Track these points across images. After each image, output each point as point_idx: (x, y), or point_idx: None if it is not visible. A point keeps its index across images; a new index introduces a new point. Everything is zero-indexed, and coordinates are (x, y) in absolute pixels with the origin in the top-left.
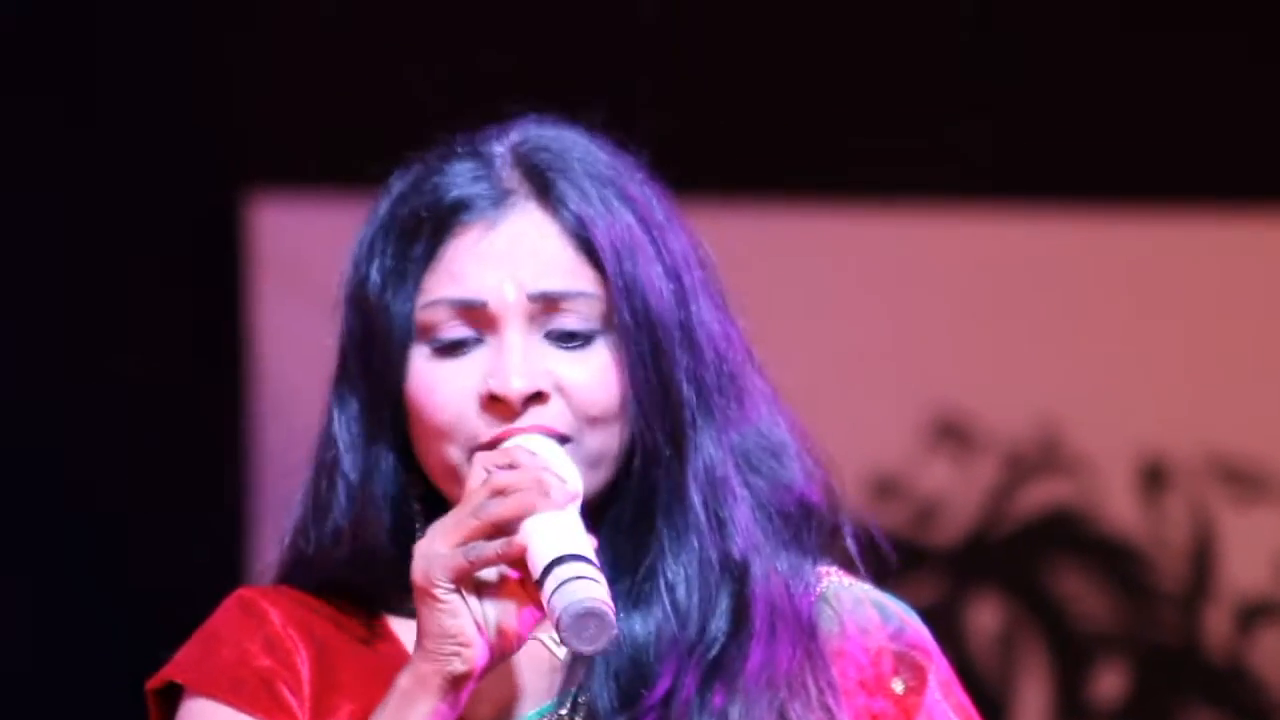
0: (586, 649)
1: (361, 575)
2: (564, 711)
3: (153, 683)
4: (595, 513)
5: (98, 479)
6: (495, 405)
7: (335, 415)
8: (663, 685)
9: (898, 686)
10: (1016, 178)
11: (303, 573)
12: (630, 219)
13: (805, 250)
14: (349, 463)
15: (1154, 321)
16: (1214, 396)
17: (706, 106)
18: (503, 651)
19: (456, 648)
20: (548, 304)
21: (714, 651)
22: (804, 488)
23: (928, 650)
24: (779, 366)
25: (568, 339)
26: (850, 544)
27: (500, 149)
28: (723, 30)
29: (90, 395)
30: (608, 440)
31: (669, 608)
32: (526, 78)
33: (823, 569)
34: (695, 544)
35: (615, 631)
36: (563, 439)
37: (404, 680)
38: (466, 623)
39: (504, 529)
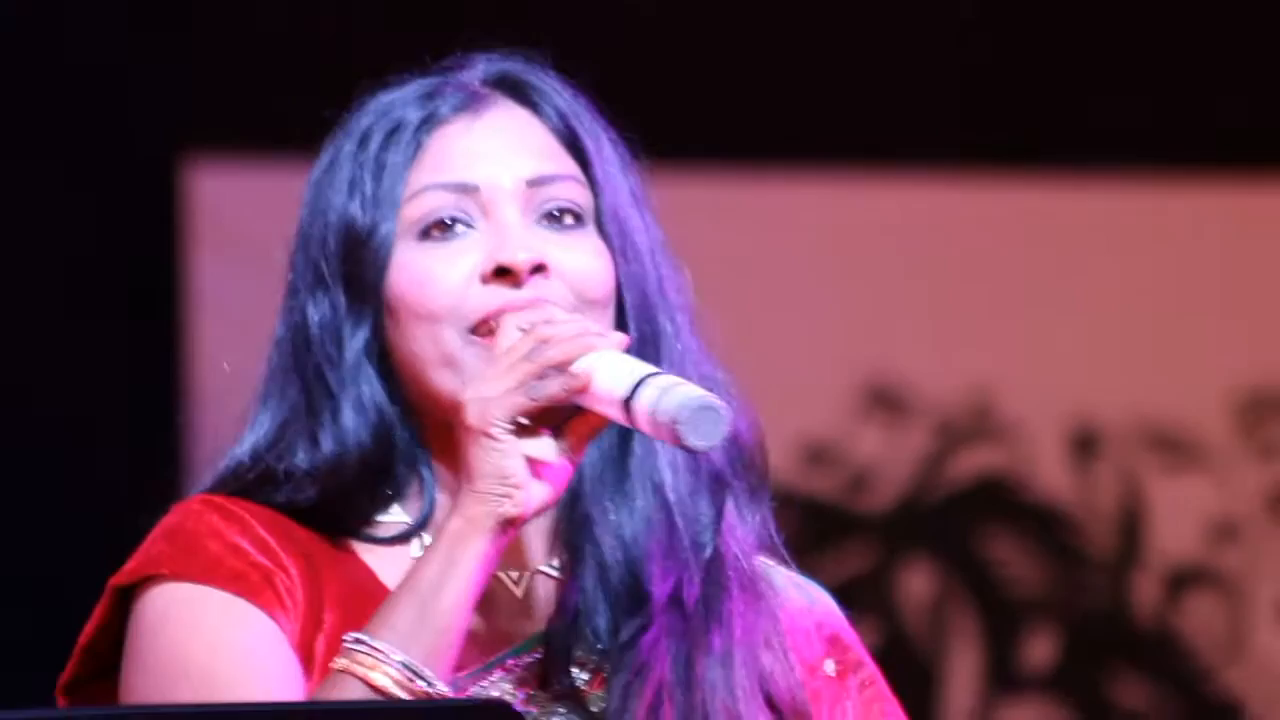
0: (704, 444)
1: (336, 493)
2: (537, 654)
3: (121, 578)
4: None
5: (29, 444)
6: (500, 278)
7: (311, 326)
8: (667, 583)
9: (829, 668)
10: (948, 145)
11: (267, 490)
12: (609, 140)
13: (735, 217)
14: (342, 376)
15: (1085, 290)
16: (1144, 364)
17: (642, 72)
18: (544, 500)
19: (509, 489)
20: (541, 187)
21: (707, 553)
22: (744, 433)
23: (850, 633)
24: (710, 333)
25: (560, 218)
26: (773, 520)
27: (468, 68)
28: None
29: (23, 365)
30: (603, 326)
31: (661, 498)
32: (476, 43)
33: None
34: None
35: (729, 425)
36: None
37: (454, 523)
38: (520, 464)
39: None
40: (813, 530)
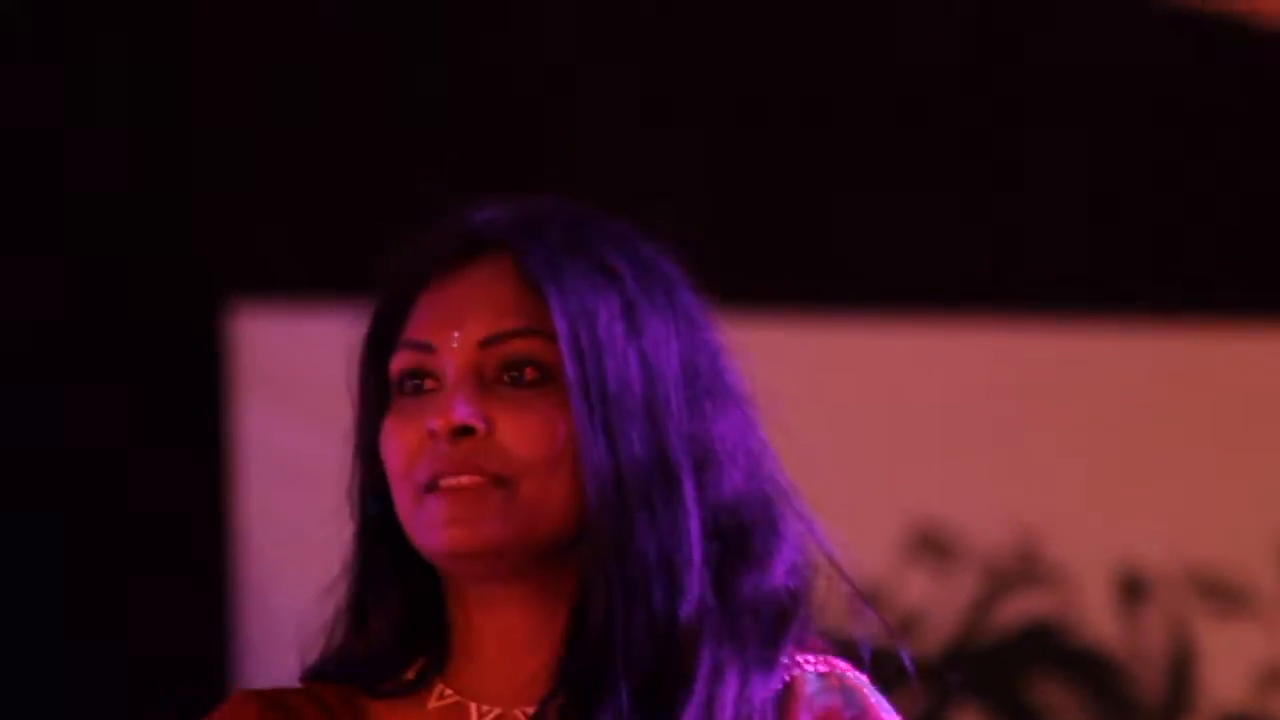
0: None
1: (369, 654)
2: None
3: None
4: (555, 556)
5: (90, 589)
6: (432, 443)
7: (352, 483)
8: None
9: None
10: (995, 291)
11: (321, 664)
12: (600, 283)
13: (781, 361)
14: (368, 534)
15: (1131, 434)
16: (1191, 509)
17: (688, 215)
18: None
19: None
20: (497, 345)
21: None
22: (781, 580)
23: None
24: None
25: (517, 376)
26: (821, 635)
27: (482, 215)
28: (707, 136)
29: (76, 510)
30: (547, 488)
31: (619, 656)
32: (509, 188)
33: (794, 658)
34: (638, 609)
35: None
36: (498, 479)
37: None
38: None
39: None
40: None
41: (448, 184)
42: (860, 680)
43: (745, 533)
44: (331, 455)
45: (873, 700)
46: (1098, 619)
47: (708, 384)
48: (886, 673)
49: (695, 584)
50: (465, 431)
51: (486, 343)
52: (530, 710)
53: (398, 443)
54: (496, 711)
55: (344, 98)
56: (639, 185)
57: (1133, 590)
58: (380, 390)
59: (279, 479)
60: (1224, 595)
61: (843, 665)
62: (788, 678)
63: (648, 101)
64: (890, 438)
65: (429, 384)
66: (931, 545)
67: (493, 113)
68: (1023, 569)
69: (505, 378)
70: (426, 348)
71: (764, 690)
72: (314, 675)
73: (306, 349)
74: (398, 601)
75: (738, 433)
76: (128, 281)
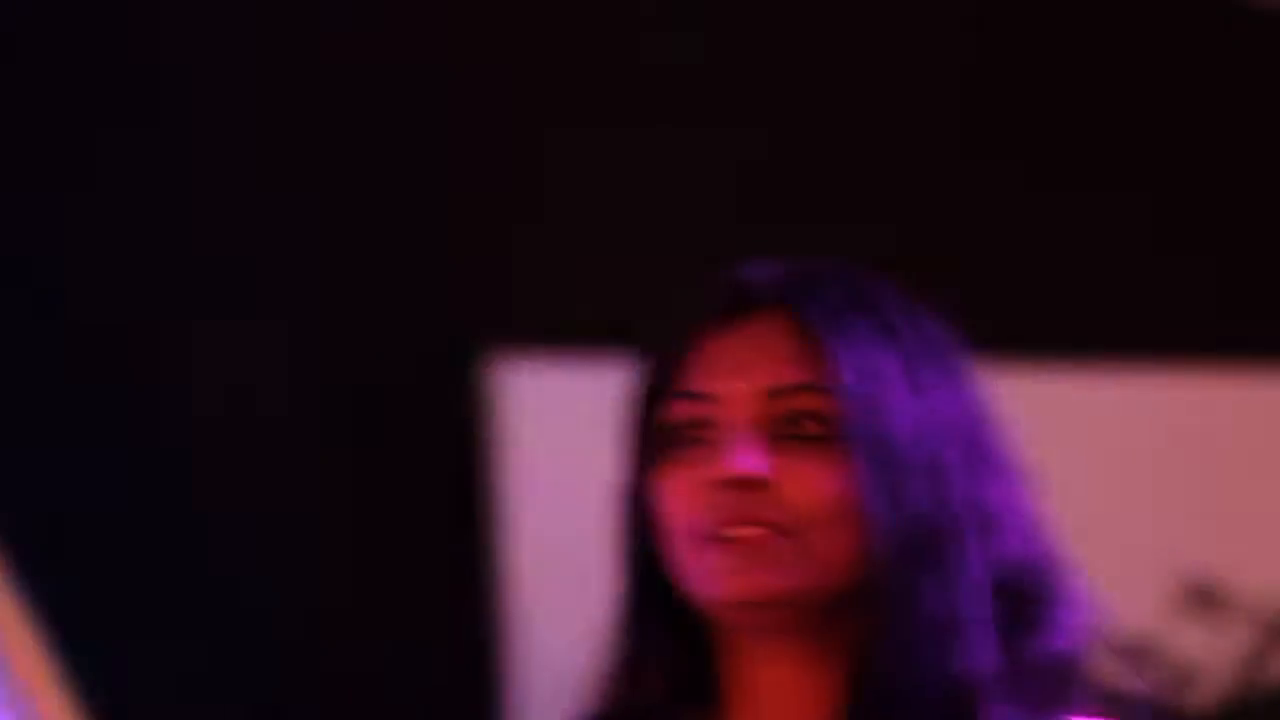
0: None
1: (635, 703)
2: None
3: None
4: (834, 611)
5: (347, 659)
6: (716, 492)
7: (621, 525)
8: None
9: None
10: (1271, 339)
11: (593, 712)
12: (881, 340)
13: (1051, 413)
14: (634, 584)
15: None
16: None
17: (953, 269)
18: None
19: None
20: (781, 398)
21: None
22: (1061, 643)
23: None
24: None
25: (800, 428)
26: (1100, 695)
27: (757, 271)
28: (977, 195)
29: (333, 565)
30: (830, 542)
31: (906, 715)
32: (761, 246)
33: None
34: (925, 666)
35: None
36: (782, 529)
37: None
38: None
39: None
40: None
41: (714, 240)
42: None
43: (1027, 595)
44: (599, 503)
45: None
46: None
47: (983, 449)
48: None
49: (983, 644)
50: (750, 483)
51: (771, 394)
52: None
53: (677, 493)
54: None
55: (614, 143)
56: (882, 235)
57: None
58: (652, 441)
59: (549, 531)
60: None
61: None
62: None
63: (899, 147)
64: (1162, 490)
65: (708, 434)
66: (1204, 597)
67: (755, 169)
68: None
69: (788, 430)
70: (708, 398)
71: None
72: None
73: (568, 398)
74: (670, 653)
75: (1014, 497)
76: (386, 334)
